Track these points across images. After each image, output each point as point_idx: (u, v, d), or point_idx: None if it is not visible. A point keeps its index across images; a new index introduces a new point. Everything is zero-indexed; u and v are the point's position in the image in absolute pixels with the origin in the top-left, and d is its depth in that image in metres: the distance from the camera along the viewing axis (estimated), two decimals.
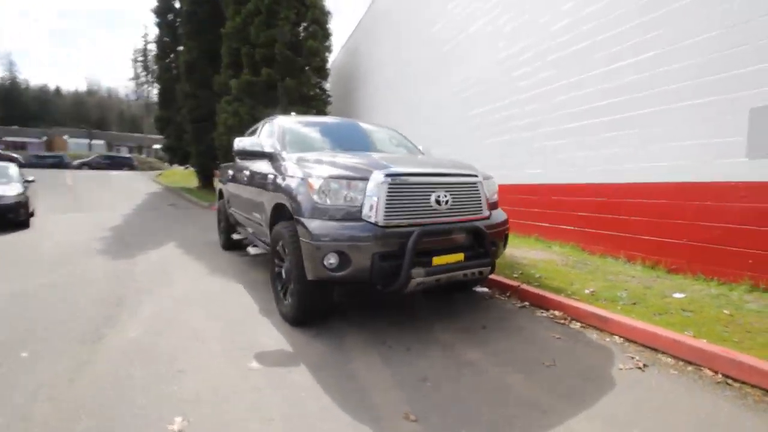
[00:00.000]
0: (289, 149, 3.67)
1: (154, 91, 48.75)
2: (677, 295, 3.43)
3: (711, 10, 3.71)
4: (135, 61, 51.04)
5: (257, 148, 3.74)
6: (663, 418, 1.96)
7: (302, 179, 2.91)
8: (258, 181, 3.94)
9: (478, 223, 2.98)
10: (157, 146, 48.34)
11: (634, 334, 2.72)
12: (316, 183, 2.76)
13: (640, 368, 2.41)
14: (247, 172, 4.35)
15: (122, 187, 17.73)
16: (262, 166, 3.86)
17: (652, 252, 4.20)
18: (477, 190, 3.10)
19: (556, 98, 5.41)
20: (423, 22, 9.06)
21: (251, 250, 4.22)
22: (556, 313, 3.28)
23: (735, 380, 2.23)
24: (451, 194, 2.90)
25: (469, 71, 7.43)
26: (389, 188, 2.68)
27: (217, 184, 6.69)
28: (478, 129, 7.23)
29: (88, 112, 53.83)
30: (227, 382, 2.25)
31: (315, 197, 2.74)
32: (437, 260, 2.76)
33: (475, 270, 2.95)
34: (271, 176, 3.50)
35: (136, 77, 52.04)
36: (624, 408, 2.02)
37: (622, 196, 4.49)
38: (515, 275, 4.10)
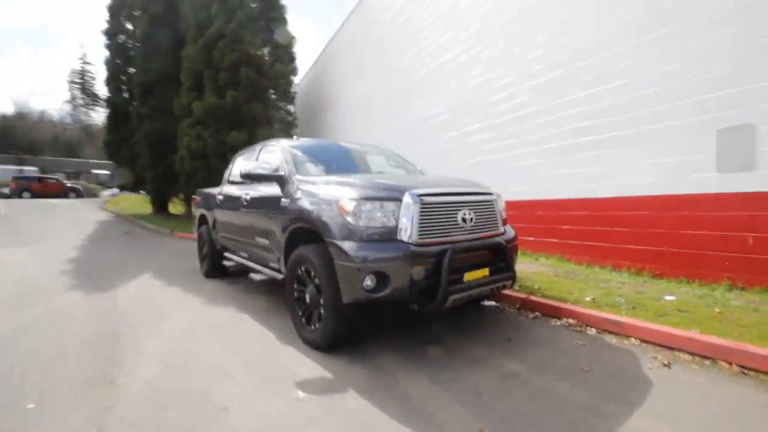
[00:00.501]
0: (300, 172, 3.64)
1: (93, 115, 45.73)
2: (668, 298, 3.75)
3: (688, 42, 4.16)
4: (72, 83, 47.80)
5: (265, 172, 3.67)
6: (704, 408, 2.14)
7: (332, 201, 2.89)
8: (264, 204, 3.85)
9: (498, 239, 3.12)
10: (97, 171, 45.06)
11: (651, 335, 2.94)
12: (348, 205, 2.76)
13: (666, 366, 2.60)
14: (246, 197, 4.22)
15: (67, 215, 16.23)
16: (269, 190, 3.78)
17: (637, 259, 4.57)
18: (494, 207, 3.25)
19: (536, 120, 5.81)
20: (390, 51, 9.41)
21: (255, 276, 4.06)
22: (570, 321, 3.46)
23: (750, 369, 2.48)
24: (474, 212, 3.02)
25: (441, 97, 7.78)
26: (422, 208, 2.74)
27: (196, 210, 6.39)
28: (451, 152, 7.52)
29: (16, 137, 49.09)
30: (279, 415, 2.14)
31: (349, 219, 2.73)
32: (468, 276, 2.84)
33: (500, 284, 3.06)
34: (285, 200, 3.44)
35: (73, 99, 48.67)
36: (667, 403, 2.18)
37: (606, 209, 4.88)
38: (516, 287, 4.27)
